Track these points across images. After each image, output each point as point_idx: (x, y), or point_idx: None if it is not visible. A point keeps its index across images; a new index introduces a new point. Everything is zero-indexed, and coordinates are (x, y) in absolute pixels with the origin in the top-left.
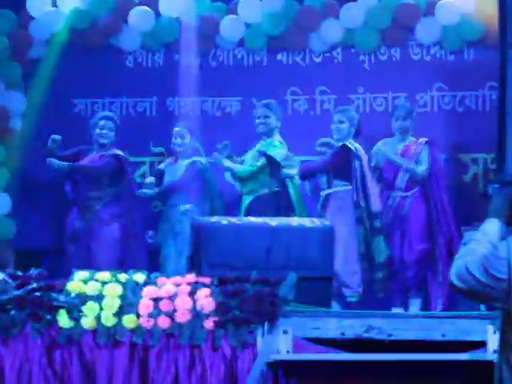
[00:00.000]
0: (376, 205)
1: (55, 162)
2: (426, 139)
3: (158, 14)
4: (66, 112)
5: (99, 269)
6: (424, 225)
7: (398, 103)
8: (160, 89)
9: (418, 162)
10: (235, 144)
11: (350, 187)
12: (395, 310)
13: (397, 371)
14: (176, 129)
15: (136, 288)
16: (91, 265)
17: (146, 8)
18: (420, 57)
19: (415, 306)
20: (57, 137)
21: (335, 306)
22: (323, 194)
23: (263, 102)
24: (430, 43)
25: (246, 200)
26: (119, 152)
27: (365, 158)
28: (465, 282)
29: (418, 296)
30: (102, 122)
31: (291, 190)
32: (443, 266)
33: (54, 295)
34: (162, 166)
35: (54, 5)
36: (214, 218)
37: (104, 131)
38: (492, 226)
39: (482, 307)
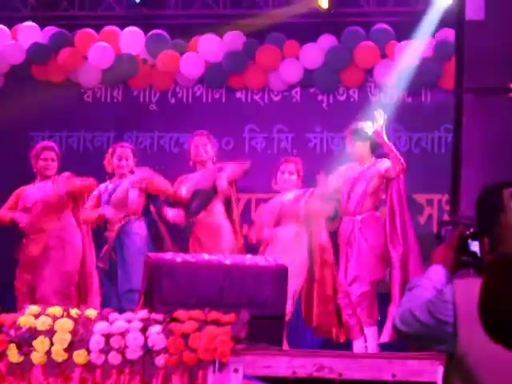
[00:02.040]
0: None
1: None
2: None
3: (117, 51)
4: (23, 144)
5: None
6: (378, 252)
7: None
8: (118, 124)
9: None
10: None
11: None
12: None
13: None
14: (122, 149)
15: (87, 323)
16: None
17: (105, 44)
18: (377, 98)
19: (372, 335)
20: None
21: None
22: None
23: None
24: (388, 85)
25: None
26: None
27: None
28: (409, 325)
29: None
30: (44, 154)
31: None
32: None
33: (4, 329)
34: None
35: (14, 38)
36: (168, 255)
37: (48, 162)
38: (436, 272)
39: None
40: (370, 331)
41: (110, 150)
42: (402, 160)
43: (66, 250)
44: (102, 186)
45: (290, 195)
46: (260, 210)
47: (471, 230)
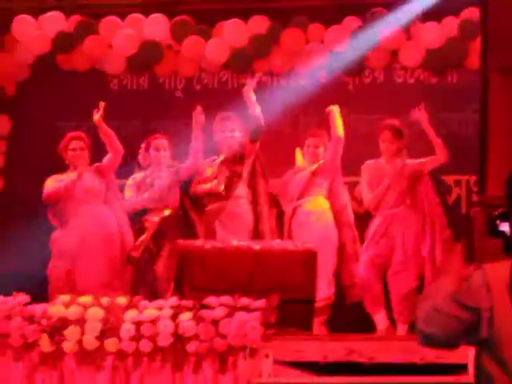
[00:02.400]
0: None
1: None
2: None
3: (142, 38)
4: (50, 135)
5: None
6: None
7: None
8: (144, 112)
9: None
10: None
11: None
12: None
13: None
14: (158, 141)
15: (118, 312)
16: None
17: (130, 31)
18: (403, 80)
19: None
20: None
21: None
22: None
23: None
24: (414, 66)
25: None
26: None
27: None
28: (436, 324)
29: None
30: (73, 144)
31: None
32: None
33: (36, 319)
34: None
35: (39, 28)
36: (198, 242)
37: (77, 152)
38: (446, 283)
39: None
40: (402, 328)
41: (144, 145)
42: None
43: (104, 238)
44: (138, 176)
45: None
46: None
47: (500, 210)
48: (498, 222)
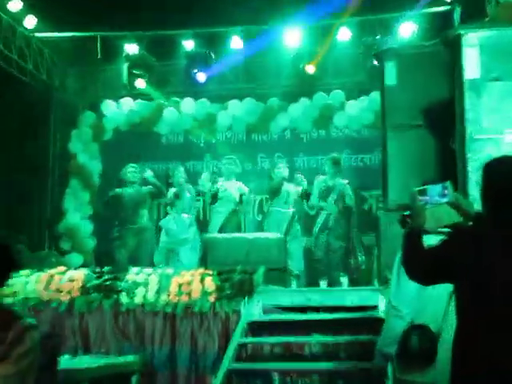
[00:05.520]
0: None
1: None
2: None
3: (179, 112)
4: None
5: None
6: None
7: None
8: (181, 157)
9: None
10: None
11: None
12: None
13: (324, 325)
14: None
15: (168, 277)
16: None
17: (172, 109)
18: (336, 135)
19: (344, 282)
20: None
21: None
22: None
23: None
24: (343, 126)
25: None
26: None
27: None
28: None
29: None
30: (130, 169)
31: None
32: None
33: (118, 283)
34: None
35: (119, 107)
36: (214, 234)
37: (135, 174)
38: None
39: (376, 283)
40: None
41: None
42: None
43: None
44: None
45: None
46: None
47: (406, 213)
48: (407, 218)
